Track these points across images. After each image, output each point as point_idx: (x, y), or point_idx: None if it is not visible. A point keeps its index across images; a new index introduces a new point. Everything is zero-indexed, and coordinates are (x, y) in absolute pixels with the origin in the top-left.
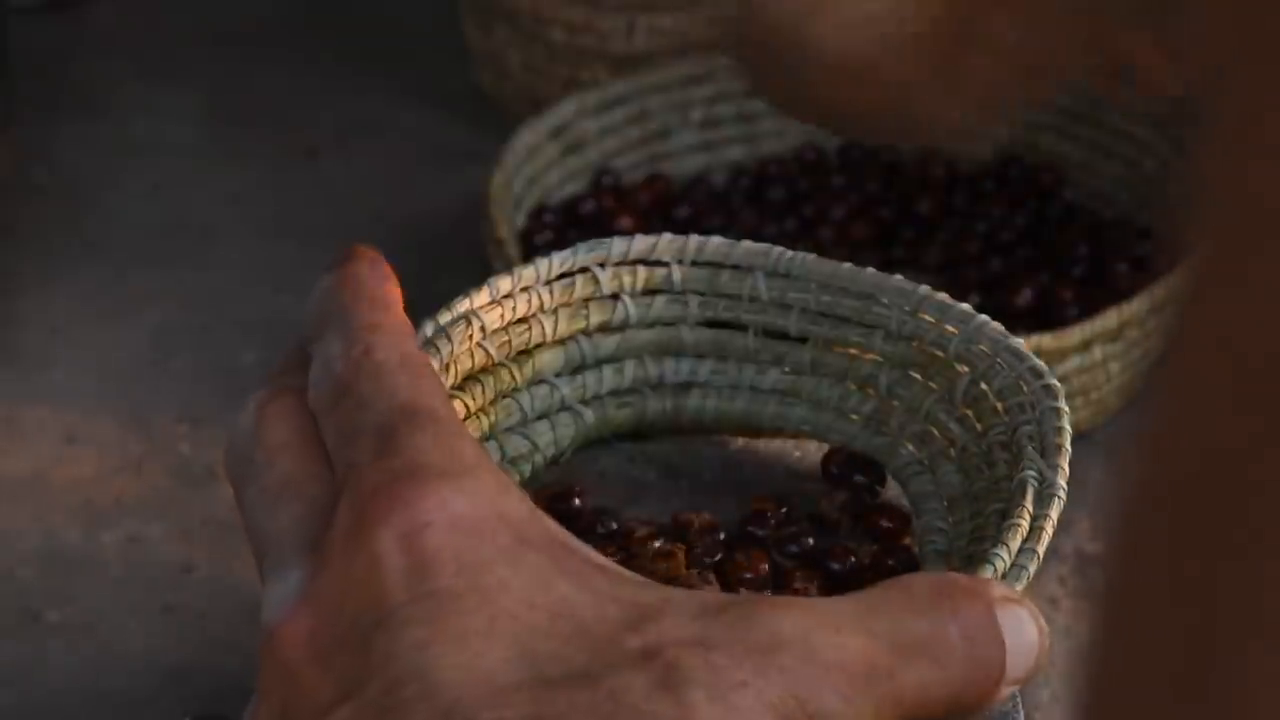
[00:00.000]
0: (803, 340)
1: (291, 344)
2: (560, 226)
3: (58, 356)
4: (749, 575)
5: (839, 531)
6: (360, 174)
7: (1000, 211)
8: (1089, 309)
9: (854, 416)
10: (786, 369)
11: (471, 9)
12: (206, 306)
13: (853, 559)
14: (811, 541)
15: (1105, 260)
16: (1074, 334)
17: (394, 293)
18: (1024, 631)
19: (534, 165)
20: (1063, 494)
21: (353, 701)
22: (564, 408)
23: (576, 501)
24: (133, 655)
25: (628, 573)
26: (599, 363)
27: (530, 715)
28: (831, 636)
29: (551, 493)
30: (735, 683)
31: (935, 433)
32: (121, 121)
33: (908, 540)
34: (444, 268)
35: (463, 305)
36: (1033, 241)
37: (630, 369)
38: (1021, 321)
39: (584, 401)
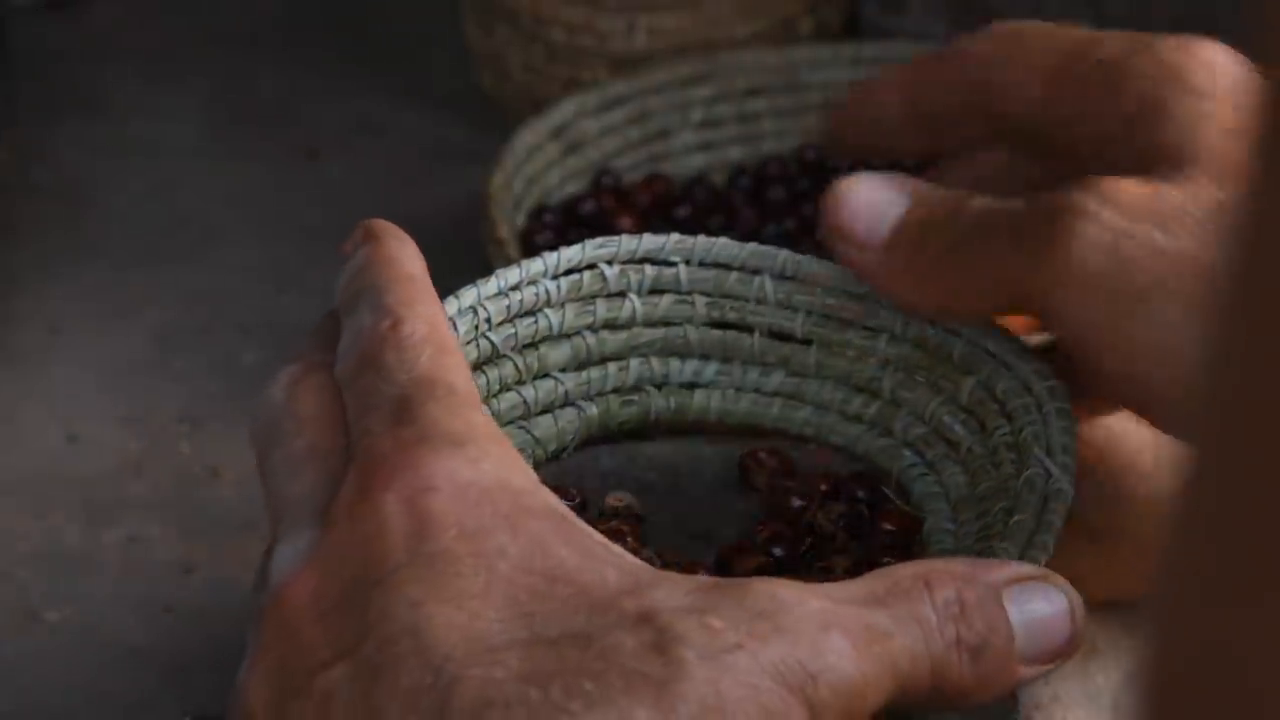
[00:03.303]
0: (808, 343)
1: (323, 321)
2: (560, 226)
3: (58, 356)
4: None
5: (835, 542)
6: (360, 174)
7: None
8: None
9: (858, 419)
10: (791, 371)
11: (472, 9)
12: (206, 306)
13: (848, 566)
14: (809, 541)
15: None
16: None
17: (424, 270)
18: (1040, 608)
19: (534, 165)
20: (1070, 491)
21: (349, 659)
22: (568, 403)
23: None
24: (133, 655)
25: (626, 551)
26: (604, 359)
27: (519, 673)
28: (827, 603)
29: None
30: (730, 645)
31: (940, 435)
32: (121, 121)
33: (912, 547)
34: (444, 268)
35: (469, 296)
36: None
37: (635, 367)
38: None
39: (588, 398)
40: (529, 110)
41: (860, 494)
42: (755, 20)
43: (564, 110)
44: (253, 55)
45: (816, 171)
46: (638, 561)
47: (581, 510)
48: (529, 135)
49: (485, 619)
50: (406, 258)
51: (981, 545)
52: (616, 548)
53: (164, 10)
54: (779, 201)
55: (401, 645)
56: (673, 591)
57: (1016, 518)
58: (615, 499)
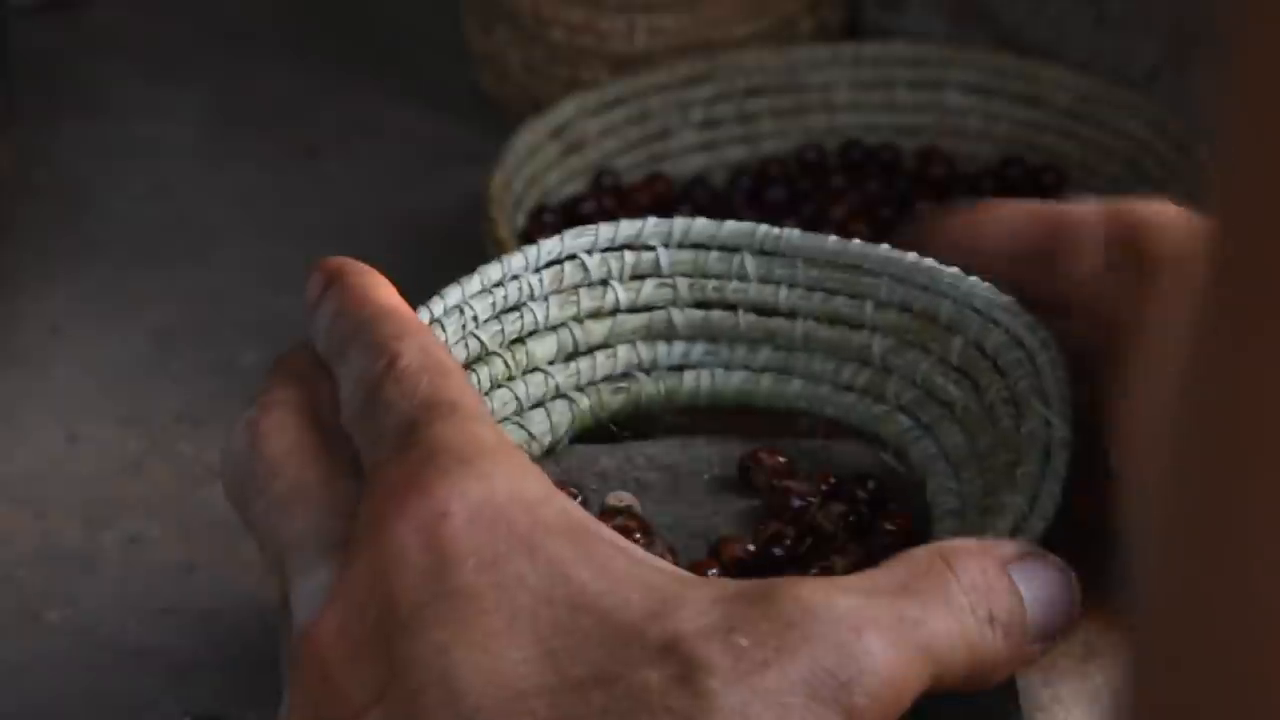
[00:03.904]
0: (792, 316)
1: (286, 357)
2: (560, 226)
3: (58, 356)
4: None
5: (835, 542)
6: (360, 174)
7: None
8: None
9: (849, 389)
10: (778, 346)
11: (472, 9)
12: (206, 306)
13: (848, 566)
14: (810, 541)
15: None
16: None
17: (399, 297)
18: (1044, 584)
19: (534, 165)
20: (1071, 437)
21: (381, 706)
22: (558, 395)
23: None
24: (133, 655)
25: (647, 555)
26: (591, 349)
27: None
28: (856, 600)
29: None
30: (757, 664)
31: (933, 397)
32: (122, 121)
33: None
34: (444, 268)
35: (454, 294)
36: None
37: (623, 354)
38: None
39: (578, 388)
40: (529, 110)
41: (860, 494)
42: (755, 20)
43: (564, 110)
44: (253, 55)
45: (816, 172)
46: (660, 568)
47: None
48: (529, 135)
49: (510, 660)
50: (379, 290)
51: (989, 500)
52: (638, 552)
53: (164, 10)
54: (779, 201)
55: (430, 695)
56: (698, 607)
57: (1022, 469)
58: (615, 499)
